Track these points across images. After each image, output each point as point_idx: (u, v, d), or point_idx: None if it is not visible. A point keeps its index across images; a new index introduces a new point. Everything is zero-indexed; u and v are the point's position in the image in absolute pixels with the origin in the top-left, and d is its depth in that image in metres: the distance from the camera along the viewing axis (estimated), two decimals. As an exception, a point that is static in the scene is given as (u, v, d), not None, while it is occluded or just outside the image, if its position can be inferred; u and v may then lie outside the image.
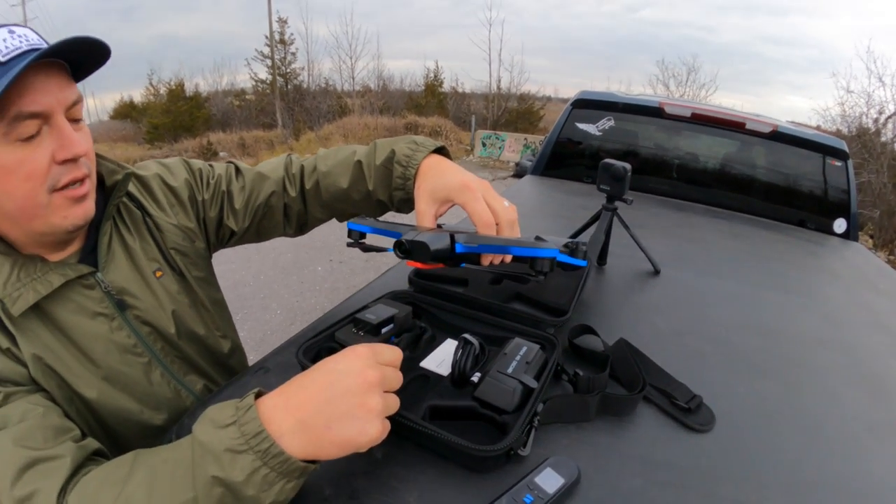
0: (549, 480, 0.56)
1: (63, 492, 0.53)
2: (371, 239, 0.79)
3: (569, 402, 0.68)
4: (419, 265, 0.63)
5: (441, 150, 0.85)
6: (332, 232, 5.70)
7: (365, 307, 0.81)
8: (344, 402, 0.49)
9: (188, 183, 0.88)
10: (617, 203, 1.26)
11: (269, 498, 0.48)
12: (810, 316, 1.18)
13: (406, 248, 0.62)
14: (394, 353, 0.56)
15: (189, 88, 22.93)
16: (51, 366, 0.66)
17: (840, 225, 2.12)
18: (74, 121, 0.64)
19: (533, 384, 0.64)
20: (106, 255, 0.74)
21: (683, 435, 0.71)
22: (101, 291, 0.71)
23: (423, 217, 0.75)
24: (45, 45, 0.58)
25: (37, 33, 0.60)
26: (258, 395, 0.52)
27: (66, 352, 0.68)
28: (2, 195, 0.60)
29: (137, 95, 24.89)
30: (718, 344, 0.98)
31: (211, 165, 0.93)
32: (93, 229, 0.73)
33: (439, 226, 0.76)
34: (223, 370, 0.91)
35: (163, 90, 22.57)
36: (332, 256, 5.20)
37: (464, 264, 0.71)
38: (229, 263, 4.81)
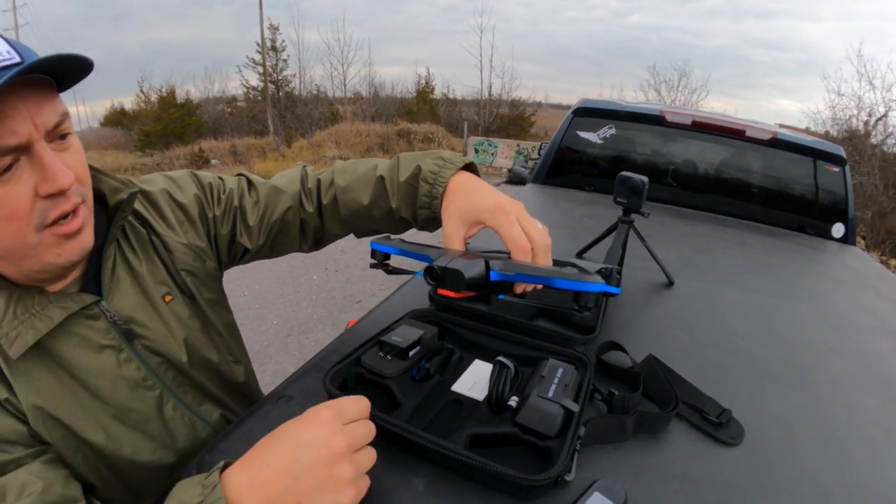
0: (599, 507, 0.55)
1: None
2: (395, 261, 0.76)
3: (607, 423, 0.67)
4: (451, 294, 0.60)
5: (469, 167, 0.81)
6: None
7: (388, 328, 0.78)
8: (311, 477, 0.46)
9: (198, 198, 0.82)
10: (633, 216, 1.25)
11: None
12: (821, 323, 1.19)
13: (438, 276, 0.59)
14: (359, 407, 0.53)
15: (180, 95, 22.95)
16: (53, 415, 0.61)
17: (838, 230, 2.14)
18: (62, 137, 0.57)
19: (574, 407, 0.62)
20: (110, 282, 0.68)
21: (716, 449, 0.70)
22: (107, 322, 0.66)
23: (451, 239, 0.71)
24: (14, 58, 0.49)
25: (6, 40, 0.51)
26: (224, 467, 0.49)
27: (70, 393, 0.63)
28: None
29: (128, 102, 24.90)
30: (738, 355, 0.98)
31: (221, 179, 0.87)
32: (95, 253, 0.67)
33: (468, 250, 0.73)
34: (239, 397, 0.87)
35: (154, 97, 22.51)
36: (328, 265, 5.16)
37: (501, 296, 0.68)
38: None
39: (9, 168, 0.51)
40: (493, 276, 0.61)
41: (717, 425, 0.73)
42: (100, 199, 0.69)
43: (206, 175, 0.87)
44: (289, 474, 0.46)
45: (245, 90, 22.98)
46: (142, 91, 22.90)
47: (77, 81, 0.59)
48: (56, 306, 0.61)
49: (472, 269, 0.59)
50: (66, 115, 0.56)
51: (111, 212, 0.69)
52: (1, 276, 0.60)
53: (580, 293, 0.60)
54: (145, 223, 0.74)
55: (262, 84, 22.23)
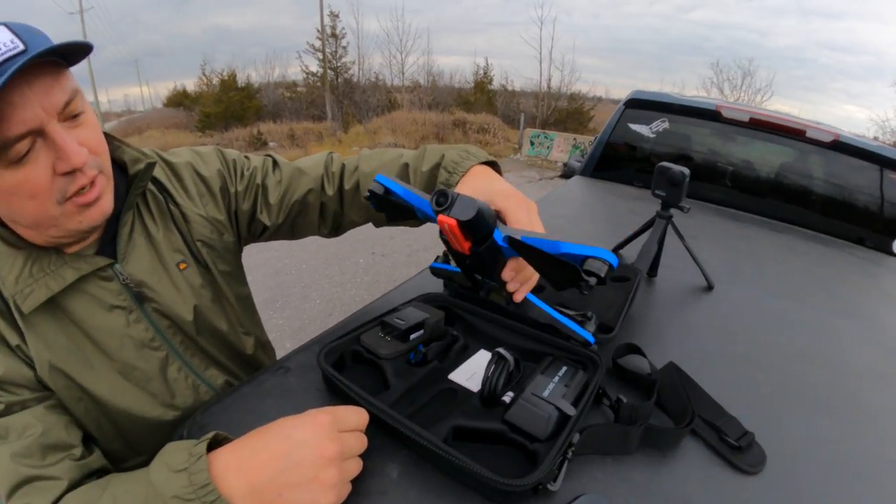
0: (581, 522, 0.50)
1: None
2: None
3: (608, 432, 0.61)
4: (451, 227, 0.55)
5: (493, 165, 0.81)
6: (374, 225, 5.72)
7: (394, 310, 0.76)
8: (298, 474, 0.48)
9: (220, 173, 0.84)
10: (672, 211, 1.17)
11: None
12: (871, 346, 1.06)
13: (446, 200, 0.56)
14: (357, 418, 0.55)
15: (241, 79, 23.58)
16: (59, 365, 0.64)
17: None
18: (74, 116, 0.58)
19: (570, 411, 0.57)
20: (126, 246, 0.71)
21: (730, 476, 0.62)
22: (120, 283, 0.69)
23: None
24: (18, 47, 0.50)
25: (8, 28, 0.52)
26: (215, 440, 0.52)
27: (77, 347, 0.66)
28: (13, 214, 0.58)
29: (191, 84, 25.90)
30: (773, 373, 0.88)
31: (247, 157, 0.90)
32: (113, 218, 0.69)
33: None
34: (246, 367, 0.89)
35: (215, 80, 23.29)
36: (375, 249, 5.22)
37: (486, 285, 0.64)
38: (272, 251, 4.90)
39: (27, 153, 0.54)
40: (497, 235, 0.60)
41: (735, 449, 0.66)
42: (122, 167, 0.72)
43: (232, 152, 0.89)
44: (277, 466, 0.48)
45: (304, 76, 23.45)
46: (204, 74, 23.82)
47: (83, 58, 0.60)
48: (70, 267, 0.64)
49: (484, 208, 0.57)
50: (75, 93, 0.58)
51: (130, 180, 0.72)
52: (22, 238, 0.63)
53: (587, 259, 0.55)
54: (166, 193, 0.77)
55: (321, 70, 22.64)
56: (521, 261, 0.65)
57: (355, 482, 0.52)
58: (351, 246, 5.25)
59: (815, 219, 2.07)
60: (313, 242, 5.25)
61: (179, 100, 26.77)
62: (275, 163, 0.90)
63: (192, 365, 0.77)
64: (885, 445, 0.74)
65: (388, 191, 0.71)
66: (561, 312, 0.72)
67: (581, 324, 0.73)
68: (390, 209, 0.73)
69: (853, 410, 0.82)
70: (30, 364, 0.63)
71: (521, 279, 0.69)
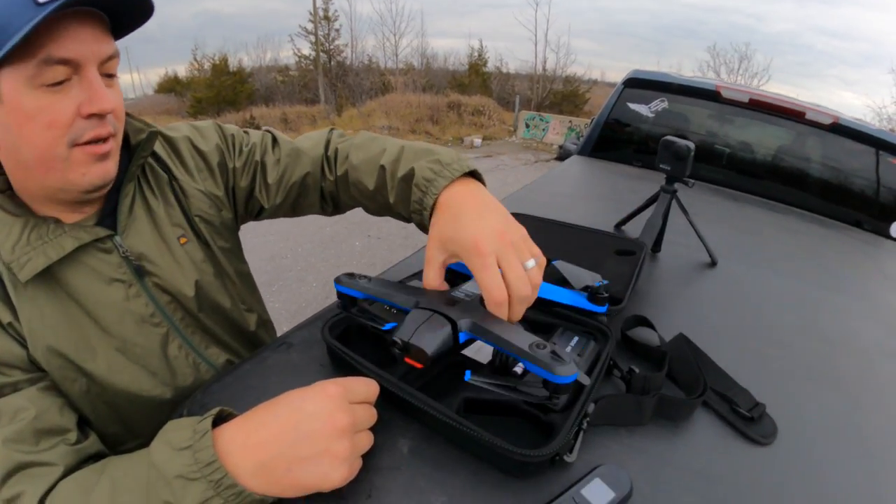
0: (598, 493, 0.49)
1: (45, 496, 0.52)
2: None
3: (622, 403, 0.60)
4: (420, 366, 0.52)
5: (473, 174, 0.71)
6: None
7: (402, 282, 0.74)
8: (308, 447, 0.46)
9: (219, 148, 0.82)
10: (676, 186, 1.16)
11: None
12: (874, 324, 1.05)
13: (401, 349, 0.53)
14: (368, 389, 0.52)
15: (233, 64, 23.33)
16: (54, 342, 0.61)
17: None
18: (108, 76, 0.59)
19: (585, 381, 0.56)
20: (127, 218, 0.69)
21: (743, 447, 0.62)
22: (119, 256, 0.67)
23: (430, 264, 0.63)
24: None
25: None
26: (219, 416, 0.50)
27: (74, 322, 0.64)
28: (20, 142, 0.56)
29: (182, 70, 25.54)
30: (779, 347, 0.88)
31: (246, 132, 0.87)
32: (114, 191, 0.68)
33: (451, 288, 0.65)
34: (249, 345, 0.87)
35: (207, 65, 23.01)
36: (371, 232, 5.19)
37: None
38: (267, 236, 4.87)
39: (61, 82, 0.54)
40: (462, 338, 0.55)
41: (747, 420, 0.65)
42: (123, 140, 0.70)
43: (231, 127, 0.87)
44: (286, 440, 0.46)
45: (297, 59, 23.19)
46: (195, 59, 23.50)
47: (136, 27, 0.63)
48: (69, 236, 0.62)
49: (436, 343, 0.52)
50: (116, 55, 0.60)
51: (133, 152, 0.70)
52: (21, 204, 0.62)
53: (548, 382, 0.49)
54: (166, 168, 0.75)
55: (314, 53, 22.37)
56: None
57: (366, 457, 0.50)
58: (346, 229, 5.22)
59: (814, 201, 2.06)
60: (309, 226, 5.21)
61: (171, 86, 26.43)
62: (274, 140, 0.87)
63: (193, 343, 0.75)
64: (893, 421, 0.73)
65: (352, 299, 0.66)
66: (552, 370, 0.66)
67: (592, 296, 0.71)
68: (367, 323, 0.66)
69: (860, 386, 0.81)
70: (22, 343, 0.61)
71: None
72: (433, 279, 0.63)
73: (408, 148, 0.76)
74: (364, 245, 4.92)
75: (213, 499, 0.44)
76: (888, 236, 1.90)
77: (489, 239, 0.57)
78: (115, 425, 0.69)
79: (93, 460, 0.58)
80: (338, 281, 0.65)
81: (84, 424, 0.64)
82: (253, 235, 4.73)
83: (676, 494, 0.53)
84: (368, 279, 0.65)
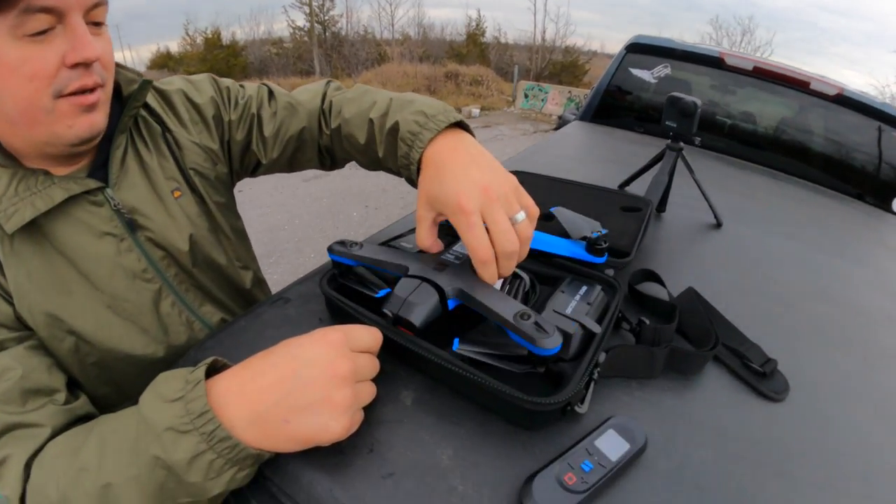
0: (613, 445, 0.47)
1: (33, 458, 0.50)
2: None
3: (633, 353, 0.58)
4: (410, 333, 0.52)
5: (460, 125, 0.68)
6: (369, 178, 5.65)
7: (400, 236, 0.71)
8: (307, 396, 0.43)
9: (214, 101, 0.79)
10: (682, 145, 1.12)
11: (217, 487, 0.43)
12: (879, 292, 1.04)
13: (392, 316, 0.53)
14: (370, 337, 0.50)
15: (226, 37, 22.91)
16: (40, 301, 0.59)
17: None
18: (95, 24, 0.56)
19: (596, 328, 0.53)
20: (118, 171, 0.66)
21: (756, 402, 0.60)
22: (111, 209, 0.64)
23: (421, 223, 0.61)
24: None
25: None
26: (213, 367, 0.47)
27: (62, 278, 0.61)
28: (3, 95, 0.52)
29: (174, 46, 25.00)
30: (787, 308, 0.86)
31: (242, 85, 0.84)
32: (105, 142, 0.65)
33: (445, 247, 0.63)
34: (244, 303, 0.84)
35: (199, 39, 22.60)
36: (368, 203, 5.15)
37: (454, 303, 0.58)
38: (264, 207, 4.83)
39: (44, 31, 0.51)
40: (451, 305, 0.54)
41: (759, 375, 0.63)
42: (116, 92, 0.67)
43: (227, 80, 0.84)
44: (283, 388, 0.43)
45: (291, 30, 22.73)
46: (187, 34, 23.08)
47: None
48: (59, 187, 0.59)
49: (424, 314, 0.52)
50: (104, 2, 0.56)
51: (124, 102, 0.67)
52: (10, 155, 0.59)
53: (532, 354, 0.49)
54: (159, 120, 0.73)
55: (308, 24, 21.93)
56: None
57: (367, 410, 0.48)
58: (344, 199, 5.17)
59: (814, 172, 2.04)
60: (306, 197, 5.17)
61: (163, 62, 25.91)
62: (270, 93, 0.84)
63: (187, 300, 0.72)
64: None
65: (345, 266, 0.64)
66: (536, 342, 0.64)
67: (591, 246, 0.69)
68: (359, 292, 0.65)
69: (867, 347, 0.79)
70: (8, 300, 0.58)
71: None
72: (425, 238, 0.60)
73: (395, 100, 0.73)
74: (361, 215, 4.88)
75: (206, 453, 0.41)
76: (890, 210, 1.88)
77: (472, 196, 0.54)
78: (105, 387, 0.67)
79: (83, 422, 0.56)
80: (330, 250, 0.63)
81: (74, 386, 0.61)
82: (250, 207, 4.69)
83: (691, 448, 0.51)
84: (360, 245, 0.62)
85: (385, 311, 0.53)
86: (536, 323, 0.47)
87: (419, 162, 0.64)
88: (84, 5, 0.53)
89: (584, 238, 0.71)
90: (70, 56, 0.53)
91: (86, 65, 0.54)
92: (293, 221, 4.69)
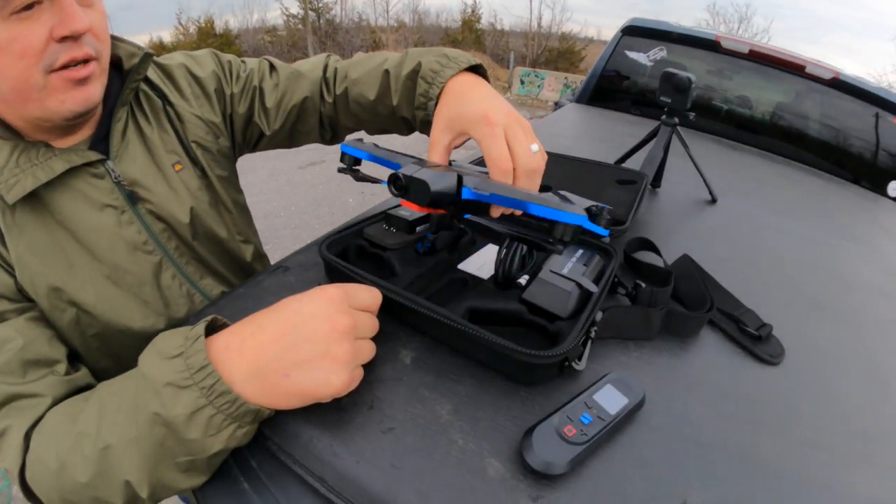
0: (611, 399, 0.48)
1: (32, 428, 0.50)
2: (368, 168, 0.66)
3: (630, 314, 0.58)
4: (415, 207, 0.50)
5: (477, 70, 0.71)
6: (366, 164, 5.62)
7: (398, 206, 0.71)
8: (306, 350, 0.43)
9: (216, 75, 0.79)
10: (677, 121, 1.12)
11: (217, 445, 0.43)
12: (872, 267, 1.05)
13: (402, 185, 0.50)
14: (370, 295, 0.50)
15: (219, 26, 22.50)
16: (41, 272, 0.59)
17: (895, 188, 1.93)
18: None
19: (592, 288, 0.54)
20: (119, 144, 0.66)
21: (752, 365, 0.62)
22: (112, 181, 0.64)
23: (434, 147, 0.62)
24: None
25: None
26: (213, 325, 0.47)
27: (63, 249, 0.61)
28: None
29: (167, 36, 24.53)
30: (781, 279, 0.87)
31: (243, 60, 0.84)
32: (106, 116, 0.65)
33: (451, 162, 0.63)
34: (244, 277, 0.85)
35: (192, 29, 22.24)
36: (364, 189, 5.12)
37: (468, 215, 0.58)
38: (260, 195, 4.81)
39: (29, 7, 0.50)
40: (465, 194, 0.52)
41: (755, 339, 0.64)
42: (117, 65, 0.67)
43: (228, 55, 0.84)
44: (283, 343, 0.43)
45: (285, 18, 22.47)
46: (180, 23, 22.67)
47: None
48: (59, 159, 0.59)
49: (441, 182, 0.50)
50: None
51: (125, 75, 0.67)
52: (10, 128, 0.59)
53: (556, 224, 0.48)
54: (161, 94, 0.72)
55: (302, 12, 21.70)
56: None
57: (367, 369, 0.48)
58: (339, 186, 5.15)
59: (810, 156, 2.04)
60: (301, 184, 5.15)
61: (156, 52, 25.63)
62: (272, 66, 0.84)
63: (187, 272, 0.73)
64: (890, 351, 0.73)
65: (355, 159, 0.64)
66: (561, 208, 0.66)
67: (592, 218, 0.69)
68: (366, 180, 0.66)
69: (863, 318, 0.81)
70: (9, 271, 0.58)
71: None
72: (438, 161, 0.61)
73: (411, 51, 0.75)
74: (358, 202, 4.86)
75: (205, 408, 0.42)
76: (885, 195, 1.88)
77: (498, 112, 0.57)
78: (105, 359, 0.67)
79: (83, 392, 0.56)
80: (345, 142, 0.64)
81: (74, 358, 0.62)
82: (247, 195, 4.65)
83: (688, 406, 0.52)
84: (376, 145, 0.63)
85: (398, 174, 0.51)
86: (559, 193, 0.47)
87: (438, 96, 0.66)
88: None
89: (587, 210, 0.72)
90: (57, 29, 0.52)
91: (74, 38, 0.53)
92: (289, 208, 4.67)
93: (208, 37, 21.54)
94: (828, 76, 1.97)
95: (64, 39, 0.53)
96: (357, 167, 0.65)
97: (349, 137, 0.66)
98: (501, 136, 0.56)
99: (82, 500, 0.46)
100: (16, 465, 0.49)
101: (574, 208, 0.47)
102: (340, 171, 0.66)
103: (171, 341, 0.45)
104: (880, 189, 1.91)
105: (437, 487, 0.41)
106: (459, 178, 0.52)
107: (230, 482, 0.47)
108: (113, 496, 0.45)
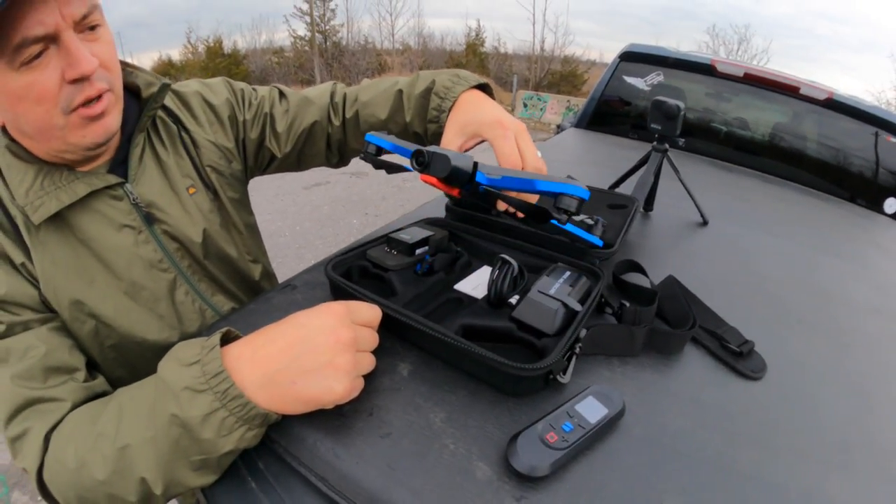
0: (592, 409, 0.51)
1: (52, 430, 0.53)
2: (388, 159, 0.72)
3: (614, 332, 0.62)
4: (434, 182, 0.57)
5: (484, 88, 0.80)
6: (369, 186, 5.71)
7: (399, 229, 0.76)
8: (312, 360, 0.48)
9: (229, 102, 0.84)
10: (667, 146, 1.17)
11: (228, 445, 0.47)
12: (863, 284, 1.07)
13: (424, 160, 0.56)
14: (371, 313, 0.55)
15: (227, 46, 22.91)
16: (63, 286, 0.63)
17: (891, 205, 1.95)
18: (91, 28, 0.58)
19: (577, 307, 0.58)
20: (137, 167, 0.71)
21: (733, 380, 0.64)
22: (129, 203, 0.69)
23: (447, 147, 0.69)
24: None
25: None
26: (227, 336, 0.52)
27: (84, 265, 0.65)
28: (18, 118, 0.57)
29: (176, 54, 24.94)
30: (768, 298, 0.90)
31: (254, 88, 0.90)
32: (125, 140, 0.70)
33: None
34: (253, 294, 0.89)
35: (201, 48, 22.65)
36: (368, 210, 5.19)
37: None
38: (265, 214, 4.87)
39: (38, 55, 0.53)
40: (479, 177, 0.58)
41: (736, 355, 0.68)
42: (135, 92, 0.72)
43: (240, 83, 0.90)
44: (291, 353, 0.48)
45: (292, 40, 22.88)
46: (189, 42, 23.12)
47: None
48: (81, 182, 0.64)
49: (460, 160, 0.56)
50: (94, 7, 0.58)
51: (143, 103, 0.72)
52: (32, 153, 0.63)
53: (561, 196, 0.54)
54: (177, 120, 0.77)
55: (309, 34, 22.09)
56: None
57: (367, 380, 0.53)
58: (344, 207, 5.22)
59: (806, 176, 2.07)
60: (306, 205, 5.22)
61: (165, 70, 25.99)
62: (281, 93, 0.90)
63: (200, 289, 0.77)
64: (878, 368, 0.76)
65: (379, 149, 0.70)
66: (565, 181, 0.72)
67: (588, 229, 0.74)
68: (385, 166, 0.72)
69: (848, 334, 0.83)
70: (34, 284, 0.62)
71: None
72: None
73: (422, 73, 0.83)
74: (362, 223, 4.92)
75: (219, 410, 0.46)
76: (882, 212, 1.92)
77: (510, 120, 0.69)
78: (121, 369, 0.71)
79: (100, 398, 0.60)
80: (370, 133, 0.71)
81: (92, 368, 0.66)
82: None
83: (670, 418, 0.55)
84: (397, 137, 0.70)
85: (421, 149, 0.57)
86: (568, 176, 0.52)
87: (450, 109, 0.76)
88: (72, 20, 0.55)
89: (581, 222, 0.77)
90: (68, 73, 0.55)
91: (85, 78, 0.57)
92: (294, 228, 4.73)
93: (216, 56, 21.86)
94: (822, 96, 2.01)
95: (75, 81, 0.56)
96: (379, 156, 0.71)
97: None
98: (513, 138, 0.66)
99: (98, 497, 0.50)
100: (34, 465, 0.53)
101: (578, 183, 0.54)
102: (362, 158, 0.73)
103: (189, 350, 0.49)
104: (876, 206, 1.93)
105: (429, 487, 0.44)
106: (475, 163, 0.58)
107: (239, 482, 0.51)
108: (128, 493, 0.49)
